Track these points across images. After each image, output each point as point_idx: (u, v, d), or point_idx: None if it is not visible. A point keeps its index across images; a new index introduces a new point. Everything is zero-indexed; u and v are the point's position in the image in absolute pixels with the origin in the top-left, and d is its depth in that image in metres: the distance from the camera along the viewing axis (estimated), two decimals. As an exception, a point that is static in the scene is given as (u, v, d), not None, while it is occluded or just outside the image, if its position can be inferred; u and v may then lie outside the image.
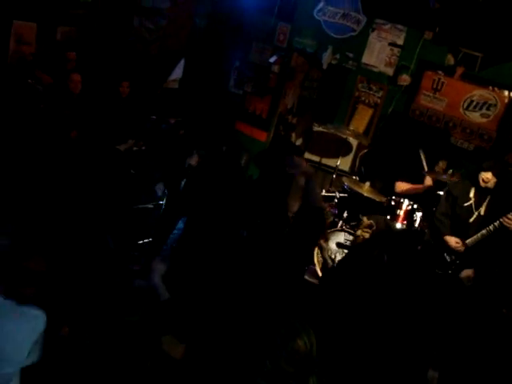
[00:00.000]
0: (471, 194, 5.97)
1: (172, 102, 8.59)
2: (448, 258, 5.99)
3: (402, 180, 7.19)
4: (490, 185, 5.83)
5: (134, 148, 7.35)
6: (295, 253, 5.97)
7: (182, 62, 8.99)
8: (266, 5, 8.89)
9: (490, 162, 5.95)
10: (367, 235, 5.25)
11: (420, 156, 7.08)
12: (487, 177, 5.80)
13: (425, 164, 7.05)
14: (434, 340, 4.98)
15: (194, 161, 6.38)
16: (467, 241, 5.87)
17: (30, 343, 2.80)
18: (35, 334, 2.83)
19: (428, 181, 7.07)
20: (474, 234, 5.84)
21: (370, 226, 5.19)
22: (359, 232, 5.22)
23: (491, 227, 5.68)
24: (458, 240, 5.90)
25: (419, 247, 6.48)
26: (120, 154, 7.10)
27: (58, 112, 6.80)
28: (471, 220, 5.94)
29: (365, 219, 5.27)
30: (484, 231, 5.76)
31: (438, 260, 6.04)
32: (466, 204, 5.97)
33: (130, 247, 6.60)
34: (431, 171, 7.03)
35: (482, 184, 5.84)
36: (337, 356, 3.99)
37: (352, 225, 6.74)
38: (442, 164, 7.13)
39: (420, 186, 7.06)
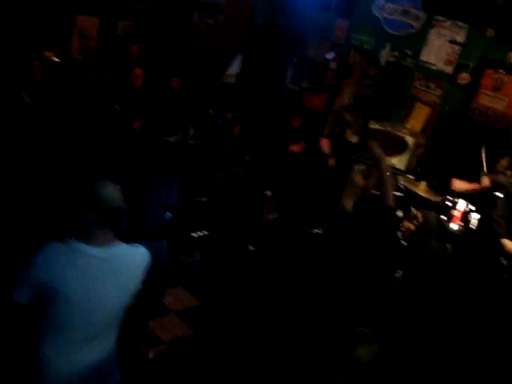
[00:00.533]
0: (531, 198, 5.84)
1: (229, 97, 8.65)
2: (505, 262, 5.87)
3: (459, 178, 7.06)
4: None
5: (191, 141, 7.43)
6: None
7: (240, 57, 9.05)
8: (324, 1, 8.87)
9: None
10: (412, 227, 5.22)
11: (481, 155, 6.93)
12: None
13: (484, 164, 6.91)
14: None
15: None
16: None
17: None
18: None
19: (485, 181, 6.90)
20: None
21: (415, 217, 5.15)
22: (407, 223, 5.20)
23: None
24: None
25: (474, 249, 6.38)
26: (170, 146, 7.18)
27: (118, 106, 6.92)
28: (530, 225, 5.82)
29: (413, 210, 5.24)
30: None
31: (494, 263, 5.93)
32: (525, 208, 5.85)
33: (184, 239, 6.70)
34: (490, 172, 6.89)
35: None
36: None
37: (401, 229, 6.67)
38: (503, 162, 6.96)
39: (477, 185, 6.89)
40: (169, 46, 8.36)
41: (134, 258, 2.94)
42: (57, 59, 6.99)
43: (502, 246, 5.85)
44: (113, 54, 7.70)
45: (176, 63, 8.03)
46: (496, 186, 6.68)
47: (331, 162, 5.91)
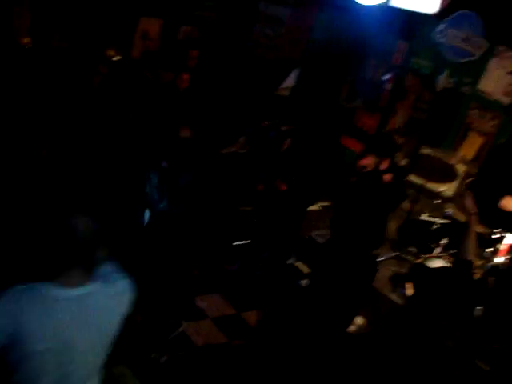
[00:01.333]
0: None
1: (282, 110, 8.71)
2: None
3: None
4: None
5: (241, 151, 7.49)
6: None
7: (297, 70, 9.10)
8: (386, 22, 8.87)
9: None
10: None
11: None
12: None
13: None
14: None
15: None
16: None
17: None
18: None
19: None
20: None
21: None
22: None
23: None
24: None
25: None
26: (222, 157, 7.26)
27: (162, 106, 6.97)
28: None
29: None
30: None
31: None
32: None
33: (226, 248, 6.74)
34: None
35: None
36: None
37: (451, 253, 6.62)
38: None
39: None
40: (228, 55, 8.46)
41: (111, 294, 2.66)
42: (118, 57, 7.14)
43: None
44: (173, 57, 7.80)
45: (234, 72, 8.12)
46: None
47: (388, 177, 5.84)
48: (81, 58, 6.38)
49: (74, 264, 2.48)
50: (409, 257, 7.11)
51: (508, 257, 6.41)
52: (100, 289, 2.59)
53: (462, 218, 6.82)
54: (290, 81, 9.09)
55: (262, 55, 8.94)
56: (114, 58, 7.13)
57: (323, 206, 7.80)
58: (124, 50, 7.57)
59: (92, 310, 2.55)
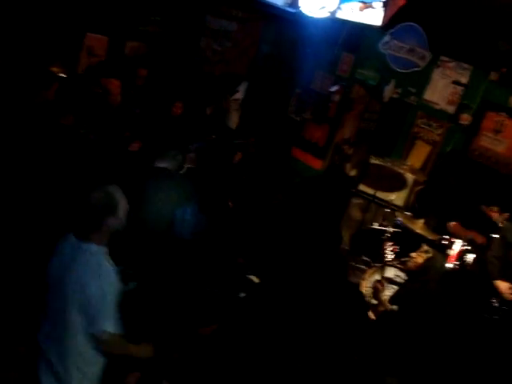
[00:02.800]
0: (525, 241, 5.86)
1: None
2: (496, 303, 5.87)
3: (456, 218, 7.00)
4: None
5: (188, 165, 7.43)
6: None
7: (245, 84, 9.11)
8: (331, 34, 8.97)
9: None
10: (420, 260, 5.24)
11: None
12: None
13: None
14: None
15: None
16: (518, 288, 5.76)
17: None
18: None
19: (480, 239, 6.76)
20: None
21: (426, 252, 5.18)
22: (414, 254, 5.24)
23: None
24: (510, 286, 5.78)
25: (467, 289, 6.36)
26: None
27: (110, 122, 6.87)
28: (524, 267, 5.83)
29: (425, 246, 5.27)
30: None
31: (485, 304, 5.92)
32: (519, 250, 5.86)
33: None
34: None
35: None
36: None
37: (402, 260, 6.66)
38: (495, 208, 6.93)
39: (470, 234, 6.81)
40: (175, 70, 8.41)
41: (99, 262, 3.13)
42: (63, 75, 7.03)
43: (494, 287, 5.85)
44: (120, 75, 7.71)
45: (181, 87, 8.06)
46: (492, 226, 6.66)
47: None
48: (25, 74, 6.24)
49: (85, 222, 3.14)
50: (362, 266, 7.14)
51: (457, 263, 6.51)
52: (98, 251, 3.14)
53: (412, 226, 6.89)
54: (239, 94, 9.10)
55: (210, 70, 8.93)
56: (60, 75, 7.01)
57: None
58: (70, 66, 7.47)
59: (77, 264, 3.09)
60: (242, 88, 9.10)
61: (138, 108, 7.26)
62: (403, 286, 5.79)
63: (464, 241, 6.53)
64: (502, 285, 5.81)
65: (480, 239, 6.69)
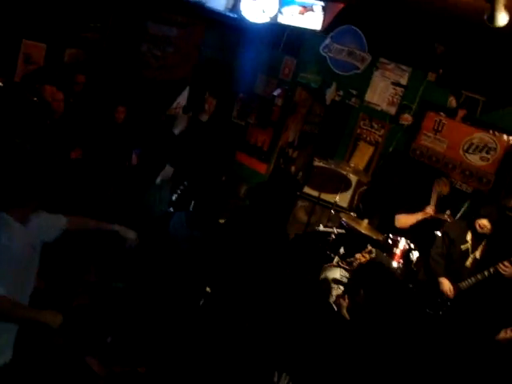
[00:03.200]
0: (468, 237, 5.94)
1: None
2: (439, 300, 5.96)
3: (402, 212, 7.04)
4: (486, 230, 5.79)
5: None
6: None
7: (187, 89, 9.06)
8: (272, 38, 9.01)
9: (486, 208, 5.92)
10: (363, 259, 5.29)
11: (432, 190, 6.89)
12: (484, 223, 5.77)
13: (433, 199, 6.85)
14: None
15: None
16: (461, 284, 5.84)
17: None
18: None
19: (429, 210, 6.75)
20: (469, 277, 5.81)
21: (369, 252, 5.23)
22: (358, 255, 5.28)
23: (486, 273, 5.61)
24: (451, 288, 5.86)
25: (411, 286, 6.44)
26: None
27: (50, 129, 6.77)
28: (467, 263, 5.91)
29: (369, 246, 5.31)
30: (479, 276, 5.69)
31: (430, 300, 6.01)
32: (462, 246, 5.95)
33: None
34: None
35: (479, 229, 5.82)
36: None
37: (348, 261, 6.72)
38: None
39: (420, 213, 6.78)
40: (116, 77, 8.30)
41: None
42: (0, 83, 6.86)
43: (438, 284, 5.94)
44: (59, 81, 7.57)
45: (122, 94, 7.96)
46: (435, 224, 6.77)
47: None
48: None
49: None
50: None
51: (402, 261, 6.59)
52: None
53: (357, 226, 6.96)
54: (182, 100, 9.04)
55: (152, 75, 8.84)
56: (-3, 84, 6.84)
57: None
58: (6, 75, 7.29)
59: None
60: (185, 94, 9.05)
61: (78, 116, 7.18)
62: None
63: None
64: (445, 283, 5.90)
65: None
